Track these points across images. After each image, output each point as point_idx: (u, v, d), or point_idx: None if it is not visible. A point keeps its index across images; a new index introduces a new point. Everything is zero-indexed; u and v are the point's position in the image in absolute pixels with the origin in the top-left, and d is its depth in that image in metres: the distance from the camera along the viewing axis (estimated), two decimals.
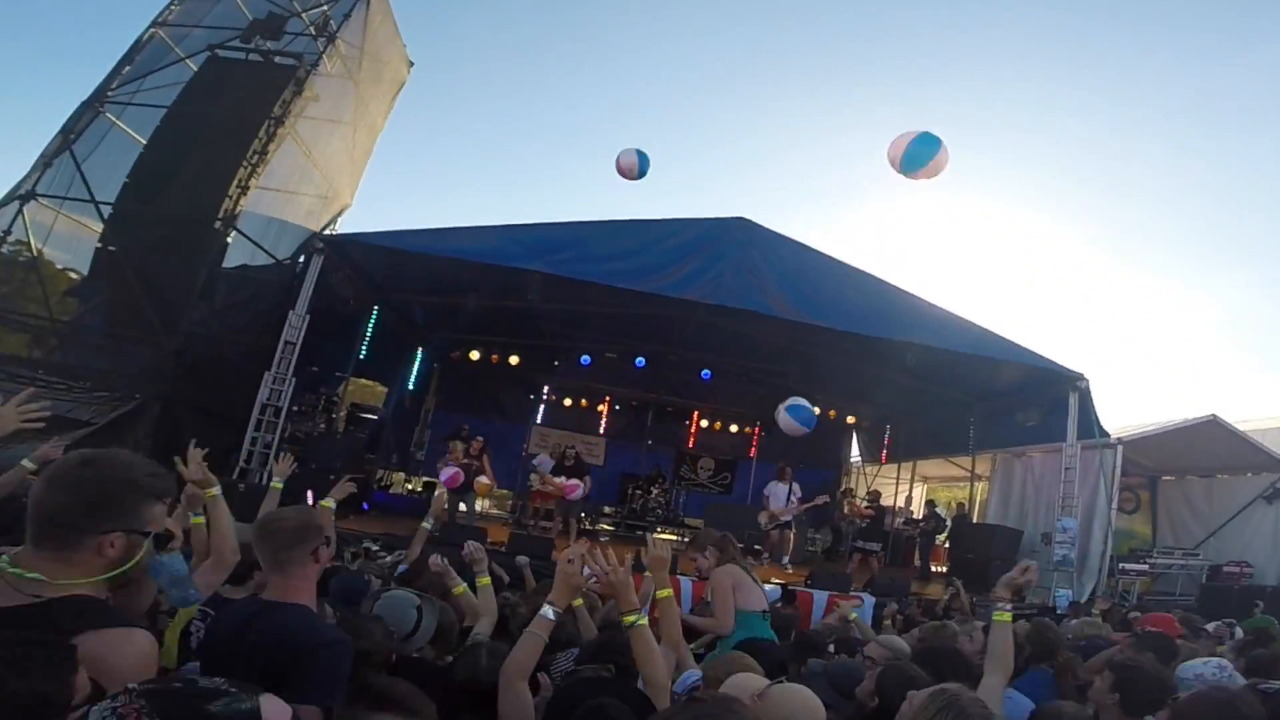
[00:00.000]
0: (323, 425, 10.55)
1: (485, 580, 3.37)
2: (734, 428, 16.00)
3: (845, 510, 11.83)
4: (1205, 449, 10.49)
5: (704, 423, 16.02)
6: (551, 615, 2.18)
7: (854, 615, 5.50)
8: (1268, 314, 39.69)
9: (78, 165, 7.66)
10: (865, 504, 11.23)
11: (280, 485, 3.80)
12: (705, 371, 14.15)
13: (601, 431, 15.76)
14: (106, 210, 7.79)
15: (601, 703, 1.92)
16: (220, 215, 7.78)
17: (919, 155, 5.00)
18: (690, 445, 16.02)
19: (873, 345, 10.01)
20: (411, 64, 11.51)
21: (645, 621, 2.16)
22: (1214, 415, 9.91)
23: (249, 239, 8.51)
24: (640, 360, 14.02)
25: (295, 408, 9.69)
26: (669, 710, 1.75)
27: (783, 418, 7.41)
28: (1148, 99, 38.60)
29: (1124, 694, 2.48)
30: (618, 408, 15.82)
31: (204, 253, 7.72)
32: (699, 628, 3.93)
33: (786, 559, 9.90)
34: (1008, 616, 2.47)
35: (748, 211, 9.25)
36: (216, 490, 2.78)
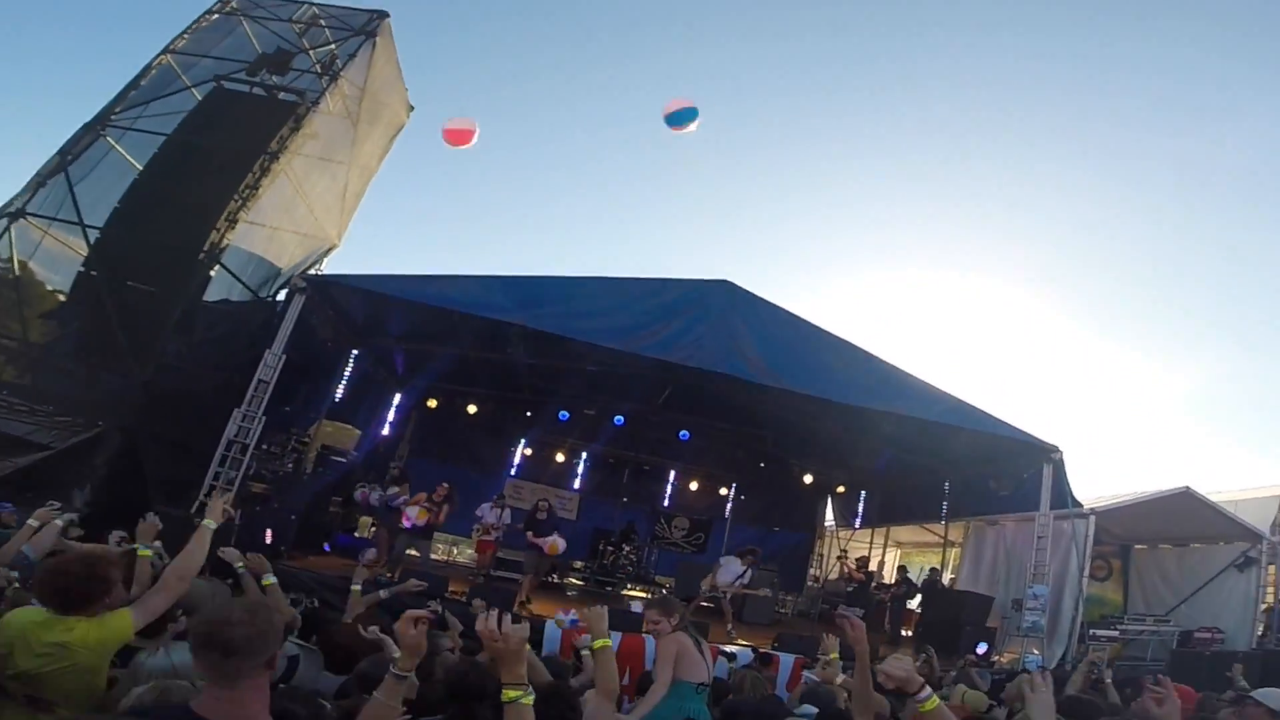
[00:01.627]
0: (290, 465, 10.34)
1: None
2: (709, 488, 15.91)
3: (838, 572, 11.69)
4: (1178, 519, 10.58)
5: (680, 482, 15.94)
6: (400, 676, 2.04)
7: (834, 654, 4.99)
8: (1239, 389, 40.71)
9: (70, 187, 7.67)
10: (856, 569, 11.12)
11: (212, 526, 3.05)
12: (684, 432, 14.16)
13: (576, 487, 15.58)
14: (94, 234, 7.75)
15: None
16: (205, 248, 7.77)
17: (682, 118, 7.48)
18: (666, 504, 15.87)
19: (850, 413, 10.03)
20: (412, 108, 11.77)
21: (529, 701, 1.95)
22: (1187, 487, 10.04)
23: (231, 274, 8.49)
24: (619, 419, 14.00)
25: (265, 446, 9.52)
26: None
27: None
28: (1126, 173, 40.56)
29: None
30: (594, 464, 15.69)
31: (184, 284, 7.69)
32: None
33: (730, 627, 9.54)
34: (934, 703, 2.33)
35: (730, 273, 9.36)
36: (211, 523, 2.96)
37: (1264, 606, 10.30)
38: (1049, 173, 42.70)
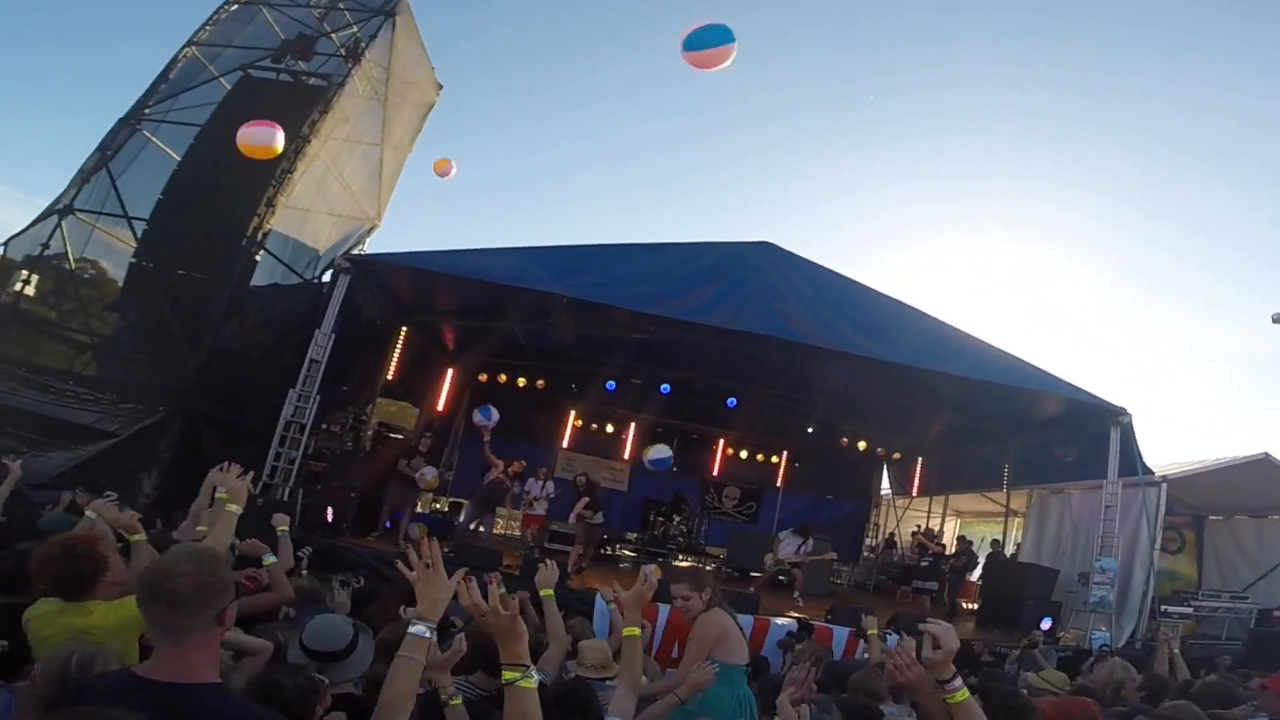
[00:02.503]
0: (349, 444, 10.70)
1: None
2: (760, 456, 15.77)
3: (915, 546, 11.48)
4: (1257, 488, 9.96)
5: (729, 451, 15.80)
6: (425, 632, 1.82)
7: (873, 630, 4.88)
8: None
9: (113, 181, 7.98)
10: (933, 541, 10.90)
11: (237, 510, 2.90)
12: (731, 399, 14.00)
13: (626, 457, 15.67)
14: (140, 226, 8.06)
15: None
16: (249, 234, 7.99)
17: (704, 41, 4.94)
18: (715, 473, 15.79)
19: (903, 374, 9.66)
20: (440, 86, 11.77)
21: (530, 685, 1.78)
22: (1267, 453, 9.43)
23: (276, 257, 8.73)
24: (665, 387, 13.93)
25: (324, 426, 9.87)
26: None
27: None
28: (1200, 129, 37.61)
29: None
30: (643, 433, 15.72)
31: (231, 270, 7.94)
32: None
33: (797, 594, 9.60)
34: (965, 695, 2.10)
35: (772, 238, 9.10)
36: (235, 508, 2.88)
37: None
38: (1116, 137, 39.91)
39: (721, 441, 15.80)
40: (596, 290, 8.83)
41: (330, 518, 8.63)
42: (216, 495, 3.30)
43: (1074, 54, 38.19)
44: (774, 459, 15.82)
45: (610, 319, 10.47)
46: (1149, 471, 9.32)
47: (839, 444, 14.93)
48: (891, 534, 14.76)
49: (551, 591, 3.46)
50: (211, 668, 1.60)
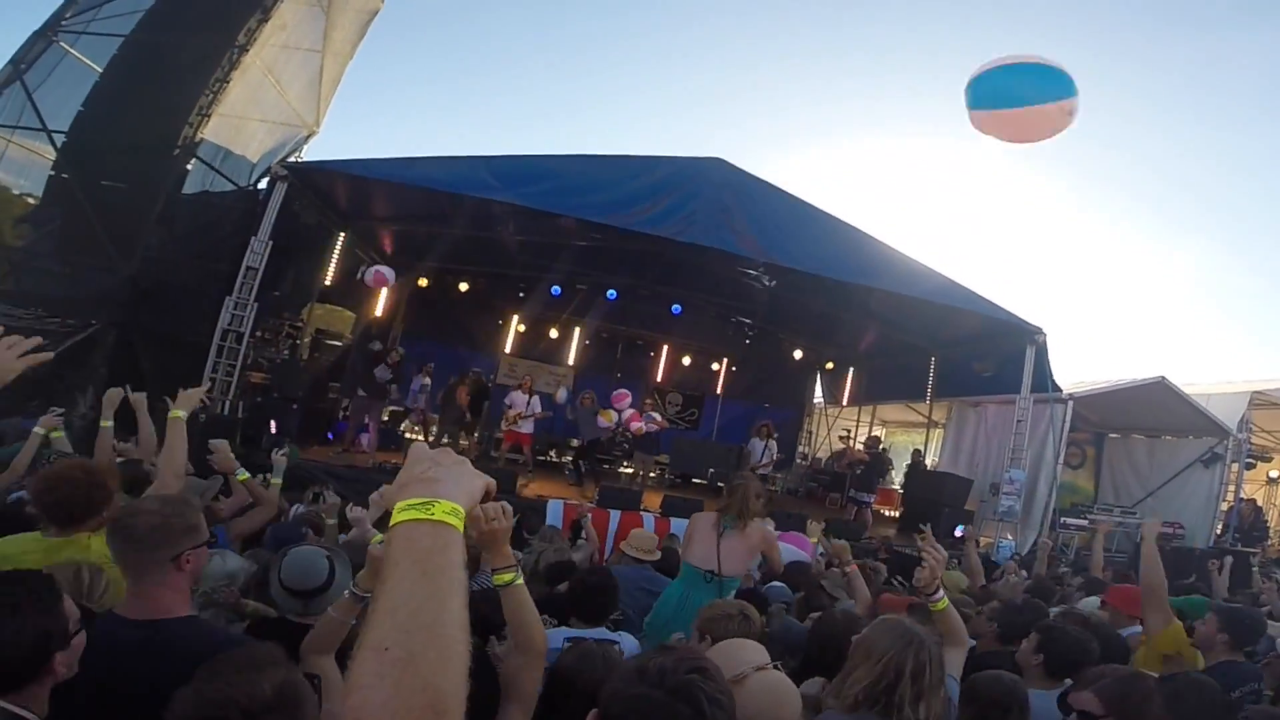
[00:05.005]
0: (286, 352, 10.39)
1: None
2: (702, 364, 16.12)
3: (845, 455, 11.93)
4: (1152, 410, 10.79)
5: (673, 357, 16.10)
6: (358, 594, 1.88)
7: (815, 539, 5.14)
8: (1236, 279, 40.52)
9: (29, 94, 7.28)
10: (863, 449, 11.32)
11: (181, 415, 2.83)
12: (676, 306, 14.13)
13: (570, 363, 15.80)
14: (60, 139, 7.50)
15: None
16: (180, 143, 7.48)
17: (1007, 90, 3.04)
18: (660, 380, 16.15)
19: (840, 289, 10.26)
20: None
21: (521, 580, 1.86)
22: (1163, 377, 10.14)
23: (209, 165, 8.21)
24: (612, 293, 13.92)
25: (259, 334, 9.53)
26: (634, 661, 1.32)
27: None
28: (1141, 66, 38.12)
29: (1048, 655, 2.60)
30: (588, 340, 15.81)
31: (162, 180, 7.45)
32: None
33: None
34: (944, 603, 2.50)
35: (719, 150, 9.07)
36: (181, 414, 2.82)
37: (1224, 505, 10.65)
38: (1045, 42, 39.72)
39: (666, 348, 16.06)
40: (545, 199, 8.78)
41: (274, 429, 8.50)
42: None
43: None
44: (714, 366, 16.22)
45: (557, 226, 10.38)
46: (1058, 389, 10.02)
47: (776, 353, 15.47)
48: (845, 444, 15.56)
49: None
50: (181, 603, 1.67)
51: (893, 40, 45.37)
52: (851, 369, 15.73)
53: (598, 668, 1.90)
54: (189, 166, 7.89)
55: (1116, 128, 40.41)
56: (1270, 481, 13.07)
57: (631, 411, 10.76)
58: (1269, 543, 11.25)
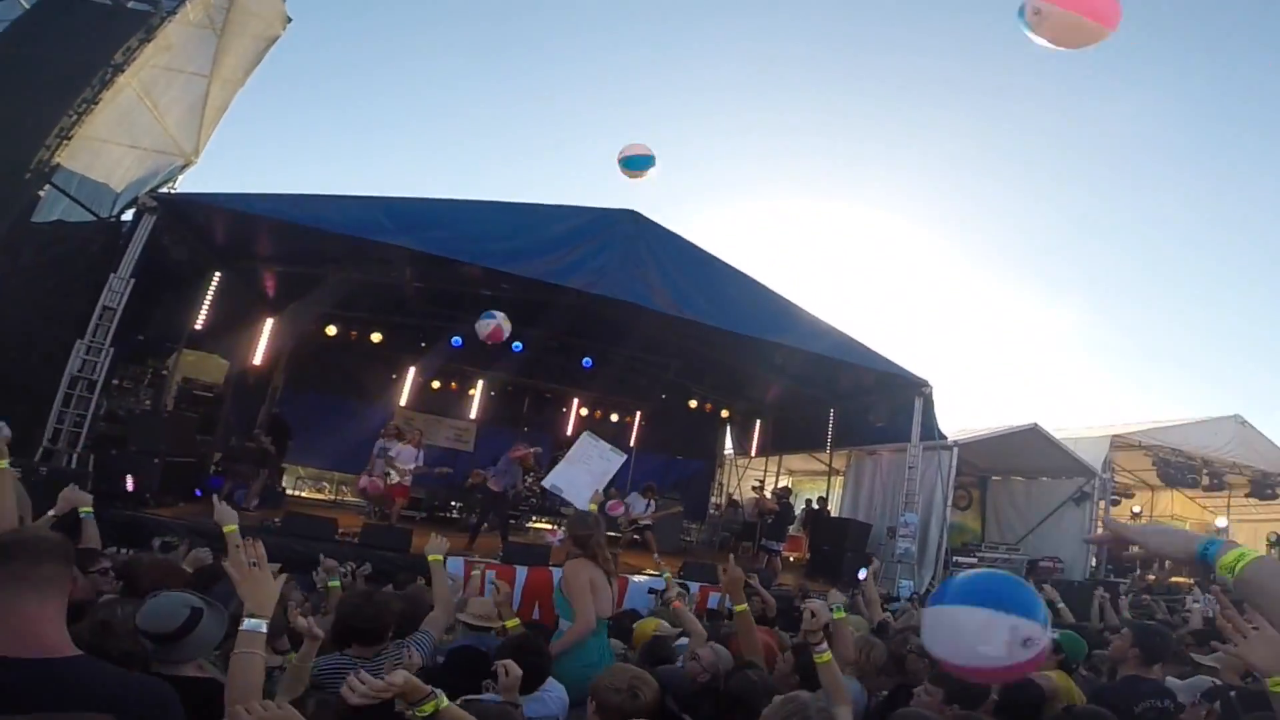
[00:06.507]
0: (148, 402, 9.36)
1: None
2: (614, 416, 15.95)
3: (755, 505, 12.00)
4: (1027, 454, 11.69)
5: (584, 410, 15.82)
6: (260, 627, 1.85)
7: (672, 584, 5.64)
8: (1102, 334, 45.36)
9: None
10: (773, 500, 11.39)
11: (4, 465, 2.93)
12: (586, 359, 13.94)
13: (473, 416, 15.17)
14: None
15: None
16: (33, 165, 6.66)
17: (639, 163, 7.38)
18: (569, 433, 15.73)
19: (748, 344, 10.43)
20: (289, 20, 10.23)
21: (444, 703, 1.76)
22: (1035, 424, 11.07)
23: (65, 193, 7.34)
24: (518, 345, 13.55)
25: (116, 381, 8.53)
26: None
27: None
28: (1015, 129, 42.84)
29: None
30: (492, 393, 15.28)
31: (8, 206, 6.58)
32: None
33: (656, 554, 9.98)
34: (827, 656, 2.49)
35: (634, 204, 9.13)
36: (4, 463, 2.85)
37: None
38: (943, 120, 44.09)
39: (575, 401, 15.77)
40: (446, 245, 8.50)
41: (131, 486, 7.53)
42: None
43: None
44: (627, 419, 16.08)
45: (459, 274, 10.02)
46: (943, 437, 10.66)
47: (687, 406, 15.51)
48: (732, 494, 15.65)
49: (441, 558, 3.66)
50: (62, 641, 1.58)
51: (800, 101, 48.43)
52: (759, 420, 15.99)
53: None
54: (41, 192, 7.01)
55: (1007, 199, 44.79)
56: (1134, 516, 14.23)
57: (614, 502, 10.72)
58: (1136, 573, 12.14)
